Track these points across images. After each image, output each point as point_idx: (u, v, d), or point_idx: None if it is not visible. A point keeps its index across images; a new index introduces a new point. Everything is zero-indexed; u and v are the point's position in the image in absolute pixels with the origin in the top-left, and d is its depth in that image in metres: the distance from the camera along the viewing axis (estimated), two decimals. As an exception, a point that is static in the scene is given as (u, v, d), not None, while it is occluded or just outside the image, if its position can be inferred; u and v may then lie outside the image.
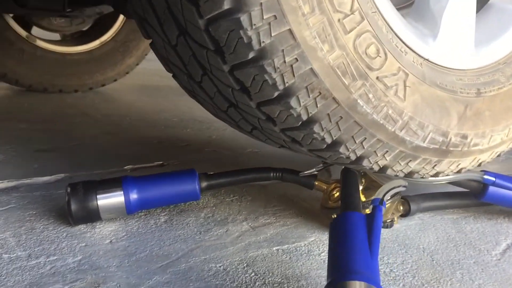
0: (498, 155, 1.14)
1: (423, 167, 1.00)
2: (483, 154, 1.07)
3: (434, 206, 1.29)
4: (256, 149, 1.83)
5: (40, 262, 0.96)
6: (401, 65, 0.88)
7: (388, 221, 1.18)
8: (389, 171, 0.98)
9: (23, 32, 2.67)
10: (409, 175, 1.02)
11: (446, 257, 1.08)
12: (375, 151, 0.91)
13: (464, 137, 0.99)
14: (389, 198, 1.03)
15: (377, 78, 0.84)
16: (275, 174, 1.19)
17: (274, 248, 1.07)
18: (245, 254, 1.04)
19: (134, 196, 1.11)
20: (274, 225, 1.19)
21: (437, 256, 1.08)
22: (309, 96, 0.80)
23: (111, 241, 1.06)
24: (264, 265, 1.00)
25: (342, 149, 0.89)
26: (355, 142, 0.88)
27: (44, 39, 2.76)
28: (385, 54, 0.85)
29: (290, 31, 0.75)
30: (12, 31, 2.63)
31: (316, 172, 1.16)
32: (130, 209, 1.11)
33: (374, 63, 0.84)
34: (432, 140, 0.94)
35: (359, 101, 0.83)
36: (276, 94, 0.81)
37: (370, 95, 0.84)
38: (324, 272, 0.98)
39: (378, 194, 1.01)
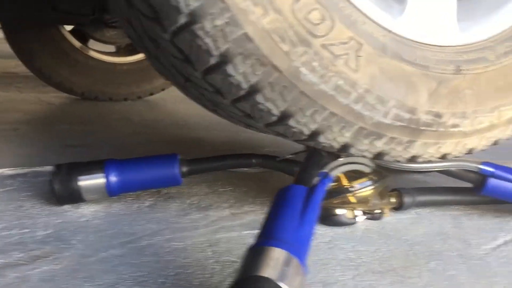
0: (494, 143, 1.05)
1: (393, 148, 0.94)
2: (468, 138, 0.99)
3: (432, 201, 1.20)
4: (274, 148, 1.81)
5: (11, 233, 1.00)
6: (353, 35, 0.84)
7: (376, 212, 1.11)
8: (352, 150, 0.93)
9: (77, 43, 2.83)
10: (379, 156, 0.96)
11: (427, 248, 1.00)
12: (330, 126, 0.87)
13: (438, 115, 0.92)
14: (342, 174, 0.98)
15: (323, 45, 0.81)
16: (256, 160, 1.16)
17: (245, 232, 1.05)
18: (212, 236, 1.02)
19: (114, 178, 1.13)
20: (256, 213, 1.16)
21: (418, 247, 1.01)
22: (245, 63, 0.79)
23: (87, 220, 1.09)
24: (226, 246, 0.98)
25: (292, 123, 0.86)
26: (305, 115, 0.85)
27: (96, 50, 2.91)
28: (333, 21, 0.82)
29: (217, -7, 0.74)
30: (67, 42, 2.80)
31: (290, 157, 1.12)
32: (111, 191, 1.13)
33: (318, 30, 0.80)
34: (396, 116, 0.89)
35: (301, 69, 0.80)
36: (212, 61, 0.79)
37: (315, 64, 0.81)
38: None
39: (326, 168, 0.96)
